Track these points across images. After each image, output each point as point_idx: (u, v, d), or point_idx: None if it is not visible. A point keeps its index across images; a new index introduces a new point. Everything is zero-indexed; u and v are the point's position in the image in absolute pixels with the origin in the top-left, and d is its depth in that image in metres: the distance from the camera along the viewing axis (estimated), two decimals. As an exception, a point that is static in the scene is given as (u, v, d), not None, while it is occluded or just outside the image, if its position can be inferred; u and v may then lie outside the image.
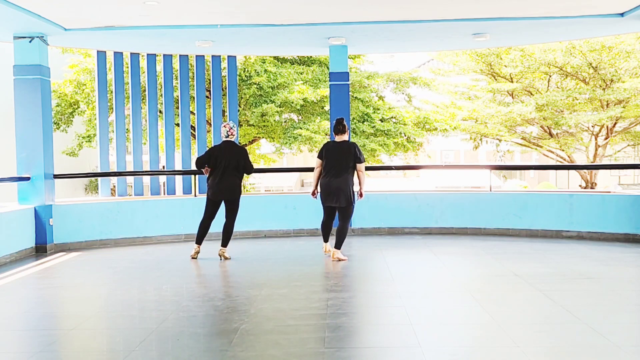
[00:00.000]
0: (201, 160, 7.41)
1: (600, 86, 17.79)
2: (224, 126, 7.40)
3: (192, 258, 7.44)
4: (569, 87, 18.65)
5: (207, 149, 7.55)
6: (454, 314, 5.06)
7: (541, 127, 19.81)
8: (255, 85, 15.29)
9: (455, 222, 9.46)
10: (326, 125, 15.64)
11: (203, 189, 10.18)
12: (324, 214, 7.42)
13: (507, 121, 18.93)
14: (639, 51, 16.54)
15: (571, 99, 17.79)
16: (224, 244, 7.48)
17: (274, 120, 15.96)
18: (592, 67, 17.28)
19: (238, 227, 9.46)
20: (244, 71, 15.16)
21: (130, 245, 8.81)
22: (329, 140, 7.36)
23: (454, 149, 39.64)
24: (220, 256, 7.42)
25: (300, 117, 16.77)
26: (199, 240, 7.50)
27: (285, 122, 16.78)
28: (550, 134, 19.75)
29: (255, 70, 15.22)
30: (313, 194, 7.35)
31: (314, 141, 16.00)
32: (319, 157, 7.31)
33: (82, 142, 16.39)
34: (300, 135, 15.85)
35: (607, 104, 17.94)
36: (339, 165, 7.11)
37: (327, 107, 15.90)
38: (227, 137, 7.40)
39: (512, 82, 19.09)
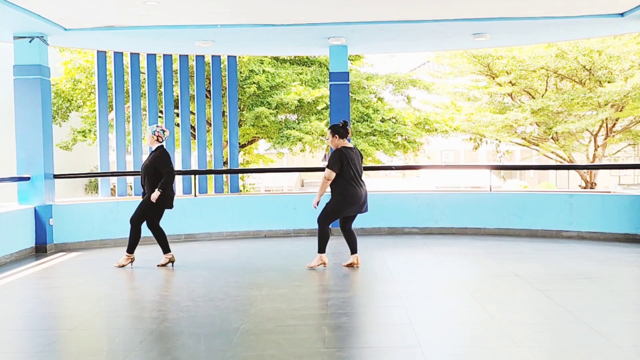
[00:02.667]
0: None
1: (597, 87, 17.79)
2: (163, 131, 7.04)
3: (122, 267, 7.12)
4: (566, 88, 18.66)
5: (168, 159, 7.00)
6: (454, 313, 5.06)
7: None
8: (255, 85, 15.31)
9: (455, 222, 9.45)
10: (321, 125, 15.67)
11: (203, 189, 10.19)
12: (344, 222, 6.80)
13: (504, 128, 18.99)
14: (628, 53, 16.55)
15: (567, 101, 17.80)
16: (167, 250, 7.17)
17: (271, 121, 15.99)
18: (586, 69, 17.31)
19: (238, 227, 9.52)
20: (240, 72, 15.17)
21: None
22: (343, 147, 6.64)
23: (454, 149, 39.61)
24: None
25: (297, 117, 16.80)
26: (131, 250, 7.12)
27: (281, 122, 16.82)
28: (550, 135, 19.75)
29: (250, 70, 15.22)
30: (318, 204, 6.66)
31: (304, 142, 16.08)
32: (335, 168, 6.48)
33: (76, 137, 16.37)
34: (290, 135, 15.92)
35: (606, 104, 17.94)
36: (360, 173, 6.66)
37: (320, 107, 15.96)
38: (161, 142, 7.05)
39: (510, 84, 19.09)
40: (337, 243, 8.13)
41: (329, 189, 6.77)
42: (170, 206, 7.08)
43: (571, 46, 16.64)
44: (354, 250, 6.89)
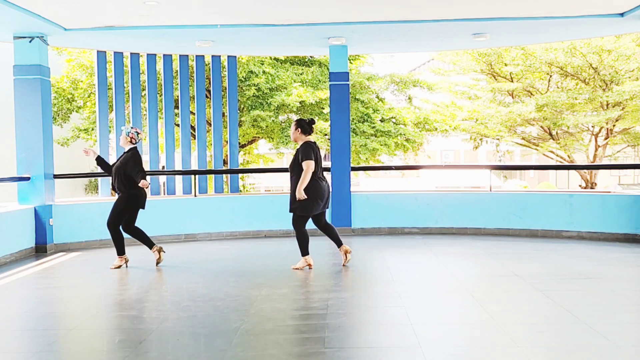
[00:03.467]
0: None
1: (600, 87, 17.79)
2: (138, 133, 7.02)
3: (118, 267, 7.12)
4: (570, 87, 18.65)
5: (140, 161, 6.96)
6: (454, 313, 5.06)
7: (541, 127, 19.82)
8: (254, 87, 15.29)
9: (455, 222, 9.45)
10: (323, 126, 15.67)
11: (203, 189, 10.18)
12: (317, 221, 6.79)
13: (507, 121, 18.94)
14: (639, 54, 16.53)
15: (571, 99, 17.79)
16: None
17: (269, 122, 15.98)
18: (593, 68, 17.28)
19: (238, 227, 9.52)
20: (240, 73, 15.16)
21: (130, 245, 8.77)
22: (308, 140, 6.67)
23: (454, 149, 39.61)
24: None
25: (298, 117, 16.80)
26: (120, 252, 7.17)
27: (282, 122, 16.81)
28: (550, 134, 19.76)
29: (251, 71, 15.21)
30: (302, 197, 6.48)
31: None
32: (309, 158, 6.50)
33: (78, 134, 16.34)
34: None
35: (607, 105, 17.94)
36: (321, 167, 6.73)
37: (325, 109, 15.96)
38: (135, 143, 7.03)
39: (512, 81, 19.10)
40: (334, 244, 8.13)
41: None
42: (143, 206, 7.12)
43: (582, 42, 16.56)
44: (339, 243, 6.91)
